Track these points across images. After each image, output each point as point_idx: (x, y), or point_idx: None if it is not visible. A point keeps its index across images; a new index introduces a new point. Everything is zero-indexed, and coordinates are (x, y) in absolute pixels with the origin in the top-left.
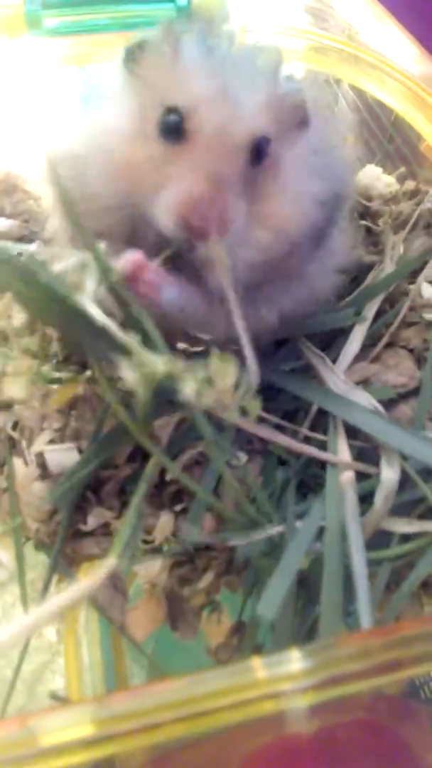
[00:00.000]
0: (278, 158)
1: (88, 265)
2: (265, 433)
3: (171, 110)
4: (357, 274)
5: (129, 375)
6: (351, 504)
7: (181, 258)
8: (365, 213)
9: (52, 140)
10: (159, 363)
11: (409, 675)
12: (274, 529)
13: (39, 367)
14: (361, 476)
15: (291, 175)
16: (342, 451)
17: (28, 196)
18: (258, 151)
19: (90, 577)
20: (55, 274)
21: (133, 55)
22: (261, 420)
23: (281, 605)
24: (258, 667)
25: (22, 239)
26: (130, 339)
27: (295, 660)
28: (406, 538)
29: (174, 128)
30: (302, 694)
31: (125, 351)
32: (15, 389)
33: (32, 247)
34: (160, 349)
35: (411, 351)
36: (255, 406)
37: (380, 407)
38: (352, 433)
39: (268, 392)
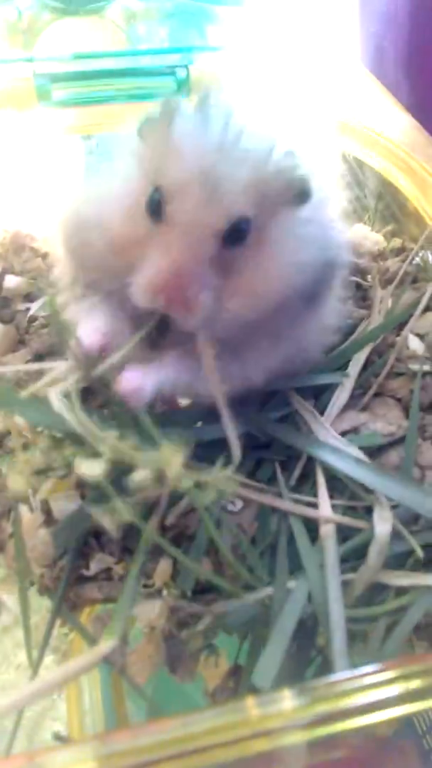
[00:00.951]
0: (263, 233)
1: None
2: (247, 493)
3: (156, 190)
4: (348, 328)
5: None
6: (331, 559)
7: (166, 326)
8: (355, 269)
9: (63, 202)
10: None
11: (400, 714)
12: (265, 592)
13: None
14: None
15: (276, 247)
16: (323, 506)
17: (35, 254)
18: (236, 232)
19: (90, 655)
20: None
21: (139, 131)
22: (251, 474)
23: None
24: (251, 705)
25: (29, 296)
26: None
27: (287, 698)
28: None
29: (156, 208)
30: (294, 732)
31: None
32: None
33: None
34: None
35: (399, 400)
36: (233, 485)
37: (365, 457)
38: (342, 487)
39: (258, 440)
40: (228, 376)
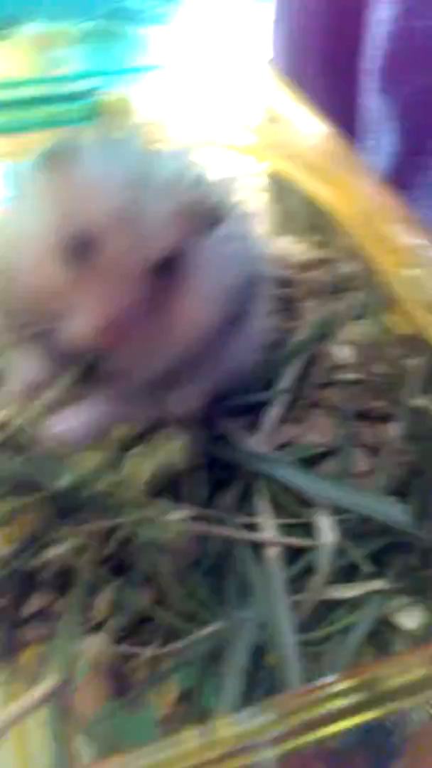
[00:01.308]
0: (185, 262)
1: None
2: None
3: (74, 233)
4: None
5: None
6: (278, 583)
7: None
8: (283, 281)
9: None
10: None
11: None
12: (213, 627)
13: None
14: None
15: (199, 275)
16: (267, 527)
17: None
18: (165, 266)
19: (29, 697)
20: None
21: (45, 168)
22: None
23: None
24: (194, 736)
25: None
26: None
27: (247, 718)
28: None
29: (81, 251)
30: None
31: None
32: None
33: None
34: None
35: (332, 410)
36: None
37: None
38: (285, 502)
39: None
40: (166, 405)
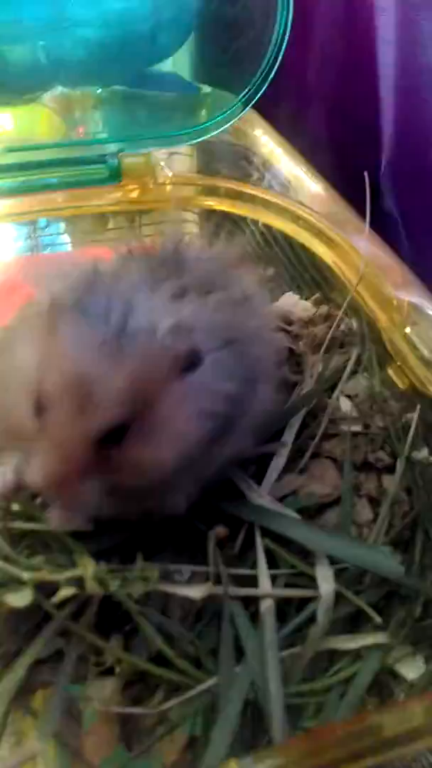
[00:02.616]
0: (147, 415)
1: None
2: (181, 590)
3: (36, 392)
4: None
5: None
6: (269, 638)
7: None
8: (287, 336)
9: None
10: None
11: None
12: (209, 683)
13: None
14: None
15: (162, 424)
16: (263, 581)
17: None
18: (111, 435)
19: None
20: None
21: (33, 321)
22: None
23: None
24: None
25: None
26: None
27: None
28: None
29: (37, 410)
30: None
31: None
32: None
33: None
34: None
35: (334, 461)
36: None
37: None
38: (284, 554)
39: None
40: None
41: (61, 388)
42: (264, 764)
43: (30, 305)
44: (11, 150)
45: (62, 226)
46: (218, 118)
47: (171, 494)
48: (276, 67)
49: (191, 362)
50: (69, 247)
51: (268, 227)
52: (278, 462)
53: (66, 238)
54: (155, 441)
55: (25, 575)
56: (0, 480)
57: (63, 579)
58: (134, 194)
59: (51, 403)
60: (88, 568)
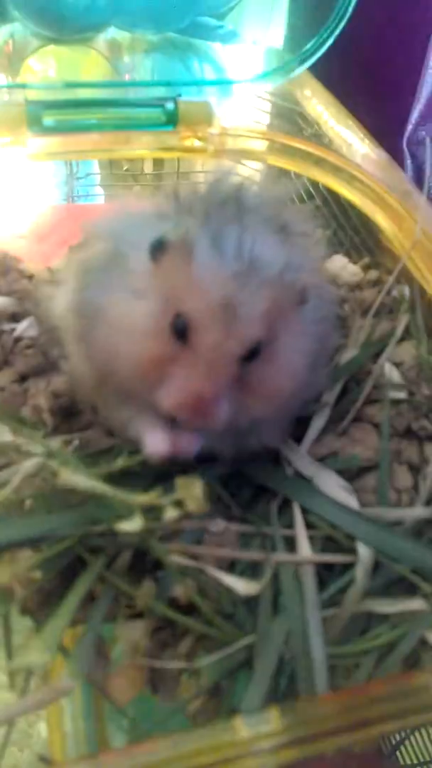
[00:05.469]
0: (273, 340)
1: None
2: (223, 552)
3: (179, 315)
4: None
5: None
6: (310, 600)
7: None
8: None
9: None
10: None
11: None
12: (246, 641)
13: None
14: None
15: (286, 349)
16: (302, 545)
17: (22, 275)
18: (252, 352)
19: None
20: None
21: (155, 253)
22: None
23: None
24: (238, 726)
25: (15, 316)
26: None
27: (273, 719)
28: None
29: (180, 332)
30: (280, 751)
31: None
32: None
33: (24, 324)
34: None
35: (376, 426)
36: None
37: (347, 486)
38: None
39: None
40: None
41: (210, 312)
42: (269, 725)
43: (78, 248)
44: (69, 85)
45: (98, 178)
46: (278, 71)
47: (271, 427)
48: (343, 23)
49: (302, 299)
50: (102, 199)
51: (315, 186)
52: (318, 421)
53: (99, 190)
54: (276, 368)
55: (136, 500)
56: (153, 449)
57: (168, 502)
58: (188, 142)
59: (200, 326)
60: (195, 487)
